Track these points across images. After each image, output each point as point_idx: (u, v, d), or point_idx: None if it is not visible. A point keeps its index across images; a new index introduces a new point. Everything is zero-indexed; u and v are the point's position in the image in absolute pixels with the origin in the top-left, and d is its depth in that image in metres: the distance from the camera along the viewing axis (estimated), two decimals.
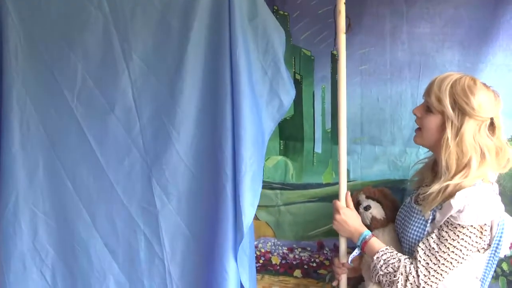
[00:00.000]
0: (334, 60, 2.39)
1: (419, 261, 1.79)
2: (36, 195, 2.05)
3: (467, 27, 2.28)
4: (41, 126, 2.03)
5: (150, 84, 2.00)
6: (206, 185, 2.05)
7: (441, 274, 1.78)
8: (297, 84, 2.45)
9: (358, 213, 2.11)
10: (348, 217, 2.02)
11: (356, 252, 1.99)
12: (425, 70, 2.30)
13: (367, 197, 2.17)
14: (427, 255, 1.78)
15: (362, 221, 2.08)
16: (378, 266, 1.85)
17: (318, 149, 2.50)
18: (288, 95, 2.11)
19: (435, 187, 1.82)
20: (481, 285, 1.94)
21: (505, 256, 2.20)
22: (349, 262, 2.04)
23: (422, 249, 1.80)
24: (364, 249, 1.95)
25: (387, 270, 1.83)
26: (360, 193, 2.20)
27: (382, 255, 1.87)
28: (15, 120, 1.99)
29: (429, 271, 1.77)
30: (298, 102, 2.47)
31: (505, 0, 2.22)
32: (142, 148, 2.03)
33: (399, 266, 1.81)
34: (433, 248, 1.78)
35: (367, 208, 2.12)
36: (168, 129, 2.00)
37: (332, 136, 2.46)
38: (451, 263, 1.77)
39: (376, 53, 2.37)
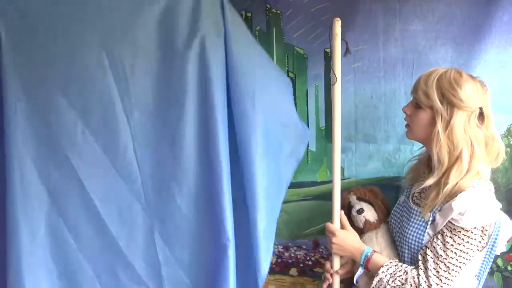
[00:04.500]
0: (327, 58, 2.39)
1: (430, 270, 1.78)
2: (38, 254, 1.98)
3: (460, 24, 2.29)
4: (41, 184, 1.97)
5: (151, 138, 1.98)
6: (208, 238, 2.04)
7: (451, 280, 1.78)
8: (291, 82, 2.45)
9: (351, 216, 2.10)
10: (345, 238, 1.99)
11: (360, 271, 1.95)
12: (418, 67, 2.30)
13: (358, 199, 2.15)
14: (436, 263, 1.78)
15: (355, 225, 2.07)
16: (385, 280, 1.84)
17: (312, 147, 2.49)
18: (304, 144, 2.25)
19: (429, 181, 1.82)
20: (477, 282, 1.94)
21: (500, 252, 2.22)
22: (354, 281, 2.01)
23: (431, 257, 1.79)
24: (368, 267, 1.93)
25: (395, 284, 1.82)
26: (351, 194, 2.18)
27: (388, 269, 1.85)
28: (16, 180, 1.93)
29: (440, 279, 1.77)
30: None
31: None
32: (144, 202, 2.01)
33: (406, 278, 1.80)
34: (440, 255, 1.77)
35: (360, 211, 2.09)
36: (169, 182, 1.99)
37: (326, 134, 2.46)
38: (459, 267, 1.77)
39: (369, 50, 2.37)
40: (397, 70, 2.36)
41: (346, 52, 1.99)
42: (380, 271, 1.85)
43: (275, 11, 2.41)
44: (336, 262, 2.05)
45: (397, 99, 2.35)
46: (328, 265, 2.09)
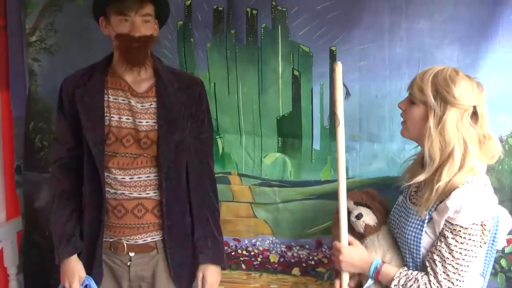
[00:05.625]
0: (333, 56, 2.38)
1: (440, 274, 1.76)
2: None
3: (466, 24, 2.28)
4: None
5: None
6: None
7: (462, 281, 1.75)
8: (296, 80, 2.44)
9: (350, 222, 2.08)
10: (353, 254, 1.94)
11: (369, 282, 1.92)
12: (424, 67, 2.22)
13: (356, 203, 2.13)
14: (444, 266, 1.75)
15: (355, 230, 2.05)
16: None
17: (317, 146, 2.49)
18: None
19: (420, 177, 1.80)
20: (483, 279, 1.93)
21: (503, 250, 2.21)
22: None
23: (438, 261, 1.77)
24: (378, 279, 1.90)
25: None
26: (348, 199, 2.16)
27: (399, 281, 1.83)
28: None
29: (452, 282, 1.75)
30: (296, 98, 2.46)
31: None
32: None
33: (418, 286, 1.79)
34: (447, 258, 1.75)
35: (359, 216, 2.07)
36: None
37: (331, 132, 2.45)
38: (467, 266, 1.75)
39: (375, 49, 2.36)
40: (403, 69, 2.35)
41: (346, 95, 1.97)
42: (392, 285, 1.84)
43: (280, 8, 2.40)
44: (346, 278, 2.01)
45: (402, 99, 2.32)
46: (338, 284, 2.06)
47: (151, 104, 2.11)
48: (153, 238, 2.15)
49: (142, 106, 2.11)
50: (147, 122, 2.10)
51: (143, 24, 2.03)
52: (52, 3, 2.60)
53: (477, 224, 1.74)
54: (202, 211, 2.22)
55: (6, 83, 2.71)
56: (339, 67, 1.87)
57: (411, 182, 1.86)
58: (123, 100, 2.11)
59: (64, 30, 2.61)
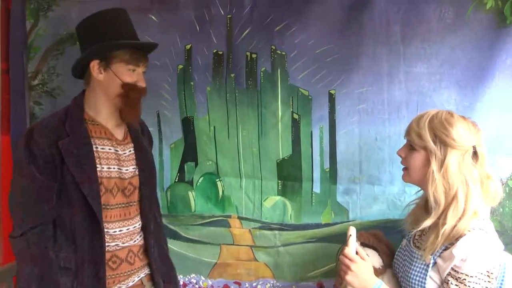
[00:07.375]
0: (332, 99, 2.40)
1: None
2: None
3: (463, 67, 2.31)
4: None
5: None
6: None
7: None
8: (295, 123, 2.46)
9: None
10: (364, 269, 1.87)
11: None
12: (423, 110, 2.24)
13: (362, 244, 2.11)
14: None
15: None
16: None
17: (317, 189, 2.48)
18: None
19: (427, 222, 1.80)
20: None
21: None
22: None
23: None
24: None
25: None
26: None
27: None
28: None
29: None
30: (296, 141, 2.47)
31: (500, 40, 2.26)
32: None
33: None
34: None
35: None
36: None
37: (331, 175, 2.45)
38: None
39: (374, 92, 2.39)
40: (402, 112, 2.36)
41: None
42: None
43: (280, 52, 2.43)
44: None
45: (402, 141, 2.30)
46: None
47: (130, 150, 2.13)
48: (139, 277, 2.15)
49: (123, 153, 2.10)
50: (128, 169, 2.10)
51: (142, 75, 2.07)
52: (54, 47, 2.63)
53: (483, 274, 1.71)
54: (164, 247, 2.29)
55: (8, 126, 2.71)
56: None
57: (420, 228, 1.84)
58: (109, 149, 2.06)
59: (66, 74, 2.62)
